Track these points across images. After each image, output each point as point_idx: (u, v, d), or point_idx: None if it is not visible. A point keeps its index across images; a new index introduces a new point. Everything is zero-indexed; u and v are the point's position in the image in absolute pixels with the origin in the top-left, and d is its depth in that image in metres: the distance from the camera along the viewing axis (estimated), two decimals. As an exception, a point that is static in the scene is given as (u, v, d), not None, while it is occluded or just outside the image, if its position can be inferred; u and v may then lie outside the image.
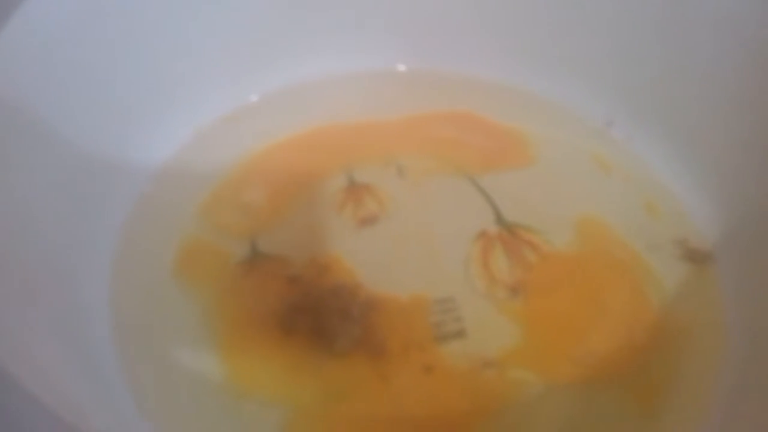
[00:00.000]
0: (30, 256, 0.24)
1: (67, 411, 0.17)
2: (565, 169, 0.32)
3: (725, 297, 0.27)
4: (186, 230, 0.29)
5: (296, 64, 0.34)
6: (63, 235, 0.26)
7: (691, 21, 0.30)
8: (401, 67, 0.36)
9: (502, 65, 0.35)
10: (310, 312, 0.26)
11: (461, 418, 0.24)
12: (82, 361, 0.23)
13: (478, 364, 0.25)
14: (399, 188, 0.31)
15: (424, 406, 0.24)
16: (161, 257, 0.28)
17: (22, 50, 0.25)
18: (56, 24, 0.26)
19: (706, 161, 0.31)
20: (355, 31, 0.35)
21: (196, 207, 0.30)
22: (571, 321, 0.27)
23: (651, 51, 0.32)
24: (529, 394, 0.24)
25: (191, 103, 0.32)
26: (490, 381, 0.25)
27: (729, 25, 0.29)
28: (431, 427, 0.24)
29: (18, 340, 0.20)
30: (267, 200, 0.30)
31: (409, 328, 0.26)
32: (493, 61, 0.35)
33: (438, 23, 0.35)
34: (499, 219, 0.30)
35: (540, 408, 0.24)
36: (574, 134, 0.33)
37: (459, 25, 0.35)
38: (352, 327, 0.25)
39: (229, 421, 0.23)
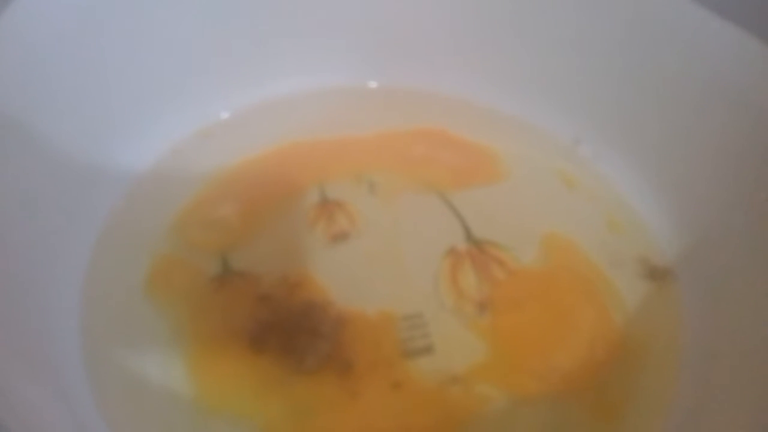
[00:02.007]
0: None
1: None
2: (533, 187, 0.33)
3: (684, 314, 0.28)
4: (158, 246, 0.29)
5: (268, 81, 0.35)
6: (33, 250, 0.26)
7: (658, 45, 0.31)
8: (372, 84, 0.36)
9: (472, 83, 0.35)
10: (280, 330, 0.26)
11: (428, 433, 0.24)
12: (49, 379, 0.23)
13: (446, 379, 0.25)
14: (370, 205, 0.31)
15: (391, 422, 0.24)
16: (133, 273, 0.28)
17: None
18: (30, 41, 0.26)
19: (668, 180, 0.31)
20: (327, 47, 0.35)
21: (168, 223, 0.30)
22: (536, 337, 0.27)
23: (618, 73, 0.33)
24: (495, 409, 0.25)
25: (164, 119, 0.32)
26: (457, 397, 0.25)
27: (694, 49, 0.30)
28: (399, 443, 0.24)
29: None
30: (239, 216, 0.30)
31: (377, 344, 0.26)
32: (463, 79, 0.35)
33: (409, 41, 0.35)
34: (469, 236, 0.30)
35: (505, 423, 0.25)
36: (542, 152, 0.34)
37: (430, 43, 0.35)
38: (321, 344, 0.25)
39: (199, 439, 0.24)
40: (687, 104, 0.31)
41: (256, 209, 0.30)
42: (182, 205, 0.30)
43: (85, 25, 0.29)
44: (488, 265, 0.29)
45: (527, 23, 0.34)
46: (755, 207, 0.28)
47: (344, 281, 0.28)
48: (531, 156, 0.34)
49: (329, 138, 0.34)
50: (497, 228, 0.30)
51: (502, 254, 0.30)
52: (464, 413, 0.25)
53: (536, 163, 0.34)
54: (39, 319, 0.25)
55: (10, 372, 0.21)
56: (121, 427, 0.24)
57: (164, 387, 0.25)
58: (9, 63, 0.26)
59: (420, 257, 0.29)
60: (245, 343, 0.26)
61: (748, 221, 0.28)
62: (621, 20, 0.32)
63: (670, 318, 0.28)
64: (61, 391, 0.23)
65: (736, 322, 0.27)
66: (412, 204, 0.31)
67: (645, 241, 0.31)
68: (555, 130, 0.35)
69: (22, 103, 0.26)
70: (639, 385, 0.26)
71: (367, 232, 0.30)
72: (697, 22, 0.30)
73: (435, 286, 0.28)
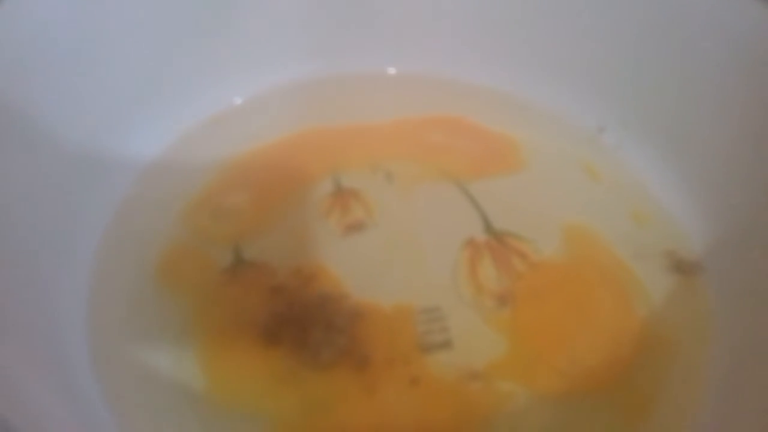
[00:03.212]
0: (4, 258, 0.23)
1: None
2: (554, 176, 0.32)
3: (713, 309, 0.27)
4: (168, 235, 0.28)
5: (282, 66, 0.34)
6: (41, 239, 0.25)
7: (684, 30, 0.30)
8: (391, 71, 0.36)
9: (492, 70, 0.35)
10: (293, 322, 0.25)
11: (447, 431, 0.23)
12: (56, 373, 0.22)
13: (465, 375, 0.25)
14: (386, 194, 0.30)
15: (409, 419, 0.24)
16: (143, 262, 0.27)
17: (4, 48, 0.25)
18: (39, 24, 0.26)
19: (695, 170, 0.30)
20: (344, 33, 0.34)
21: (178, 211, 0.29)
22: (559, 332, 0.26)
23: (643, 59, 0.32)
24: (516, 406, 0.24)
25: (174, 105, 0.32)
26: (477, 393, 0.24)
27: (720, 35, 0.29)
28: (416, 441, 0.23)
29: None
30: (251, 205, 0.29)
31: (394, 338, 0.25)
32: (483, 66, 0.35)
33: (429, 27, 0.34)
34: (488, 226, 0.29)
35: (526, 420, 0.24)
36: (564, 141, 0.33)
37: (451, 29, 0.34)
38: (336, 338, 0.25)
39: (210, 434, 0.23)
40: (715, 93, 0.30)
41: (269, 198, 0.30)
42: (193, 193, 0.30)
43: (92, 11, 0.28)
44: (508, 257, 0.28)
45: (548, 8, 0.33)
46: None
47: (359, 273, 0.27)
48: (552, 145, 0.33)
49: (345, 125, 0.33)
50: (517, 219, 0.29)
51: (522, 246, 0.29)
52: (484, 410, 0.24)
53: (558, 152, 0.33)
54: (45, 312, 0.24)
55: (14, 366, 0.20)
56: (131, 421, 0.23)
57: (175, 380, 0.24)
58: (14, 51, 0.25)
59: (438, 249, 0.28)
60: (258, 336, 0.25)
61: (779, 213, 0.27)
62: (645, 3, 0.31)
63: (698, 312, 0.27)
64: (68, 385, 0.23)
65: (766, 316, 0.25)
66: (429, 194, 0.30)
67: (671, 233, 0.30)
68: (577, 118, 0.34)
69: (30, 92, 0.25)
70: (666, 382, 0.25)
71: (383, 223, 0.29)
72: (723, 4, 0.29)
73: (453, 279, 0.27)
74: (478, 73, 0.35)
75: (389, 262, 0.28)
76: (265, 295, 0.26)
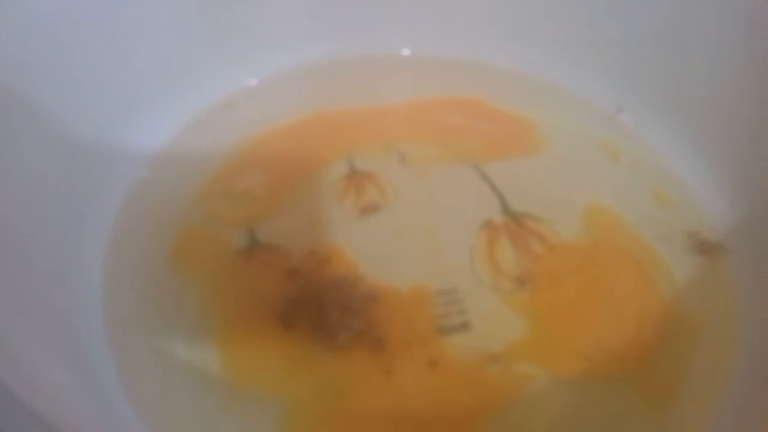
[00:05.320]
0: (20, 244, 0.23)
1: (55, 414, 0.16)
2: (573, 157, 0.31)
3: (738, 290, 0.27)
4: (183, 218, 0.28)
5: (298, 47, 0.34)
6: (55, 223, 0.25)
7: (704, 6, 0.29)
8: (405, 52, 0.35)
9: (509, 50, 0.34)
10: (309, 305, 0.25)
11: (466, 413, 0.23)
12: (72, 356, 0.22)
13: (484, 358, 0.24)
14: (402, 176, 0.30)
15: (427, 402, 0.23)
16: (157, 246, 0.27)
17: (15, 32, 0.24)
18: (45, 12, 0.26)
19: (717, 149, 0.30)
20: (358, 13, 0.34)
21: (193, 194, 0.29)
22: (579, 314, 0.26)
23: (662, 36, 0.31)
24: (536, 389, 0.24)
25: (188, 87, 0.31)
26: (496, 376, 0.24)
27: (743, 12, 0.28)
28: (435, 424, 0.23)
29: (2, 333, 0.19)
30: (266, 188, 0.29)
31: (411, 320, 0.25)
32: (500, 46, 0.34)
33: (445, 6, 0.34)
34: (505, 208, 0.29)
35: (546, 403, 0.24)
36: (582, 121, 0.33)
37: (466, 8, 0.34)
38: (352, 320, 0.24)
39: (226, 417, 0.23)
40: (737, 70, 0.29)
41: (283, 181, 0.29)
42: (208, 175, 0.29)
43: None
44: (526, 239, 0.28)
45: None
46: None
47: (375, 255, 0.27)
48: (570, 125, 0.32)
49: (359, 107, 0.33)
50: (535, 200, 0.29)
51: (540, 228, 0.28)
52: (503, 393, 0.24)
53: (576, 132, 0.32)
54: (61, 296, 0.24)
55: (30, 350, 0.20)
56: (147, 403, 0.23)
57: (191, 362, 0.24)
58: (21, 42, 0.25)
59: (454, 230, 0.28)
60: (274, 319, 0.25)
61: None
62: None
63: (722, 294, 0.27)
64: (84, 369, 0.22)
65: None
66: (445, 175, 0.30)
67: (694, 213, 0.29)
68: (595, 98, 0.33)
69: (40, 82, 0.25)
70: (691, 365, 0.25)
71: (399, 205, 0.29)
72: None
73: (471, 261, 0.27)
74: (494, 54, 0.34)
75: (405, 244, 0.27)
76: (280, 278, 0.26)
